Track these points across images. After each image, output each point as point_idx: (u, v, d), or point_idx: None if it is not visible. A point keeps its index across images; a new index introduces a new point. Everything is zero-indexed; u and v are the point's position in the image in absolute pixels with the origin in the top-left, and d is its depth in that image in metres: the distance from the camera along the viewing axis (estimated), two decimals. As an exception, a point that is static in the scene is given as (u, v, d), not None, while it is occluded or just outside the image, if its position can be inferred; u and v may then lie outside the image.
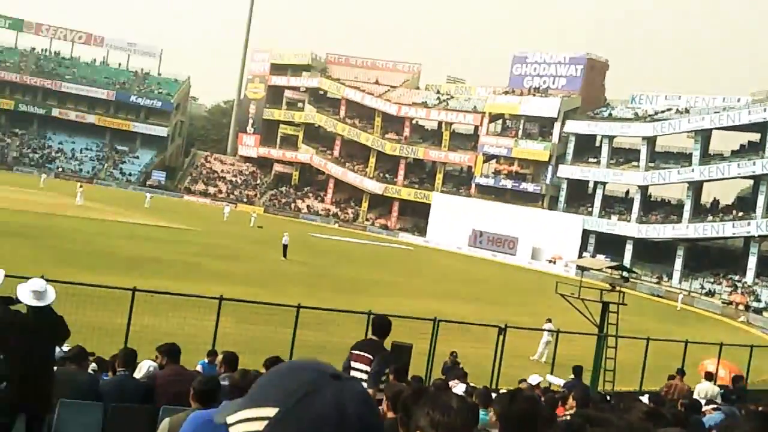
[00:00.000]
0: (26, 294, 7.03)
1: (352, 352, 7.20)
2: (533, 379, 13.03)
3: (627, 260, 61.79)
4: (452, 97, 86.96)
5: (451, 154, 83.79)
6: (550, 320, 22.99)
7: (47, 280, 7.55)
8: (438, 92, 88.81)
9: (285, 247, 41.71)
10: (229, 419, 1.17)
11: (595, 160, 73.31)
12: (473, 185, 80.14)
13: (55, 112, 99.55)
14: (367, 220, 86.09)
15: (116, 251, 32.57)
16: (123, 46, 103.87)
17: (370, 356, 7.02)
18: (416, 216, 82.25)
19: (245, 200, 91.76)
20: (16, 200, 49.78)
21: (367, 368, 6.85)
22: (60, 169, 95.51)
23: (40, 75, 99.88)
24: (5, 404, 7.05)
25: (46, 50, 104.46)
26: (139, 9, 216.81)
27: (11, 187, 61.74)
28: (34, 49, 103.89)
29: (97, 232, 38.98)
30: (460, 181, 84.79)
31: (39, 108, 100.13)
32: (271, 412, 1.15)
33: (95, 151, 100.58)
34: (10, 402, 7.05)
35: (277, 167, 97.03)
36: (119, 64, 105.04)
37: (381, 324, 7.44)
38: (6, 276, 7.97)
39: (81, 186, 61.05)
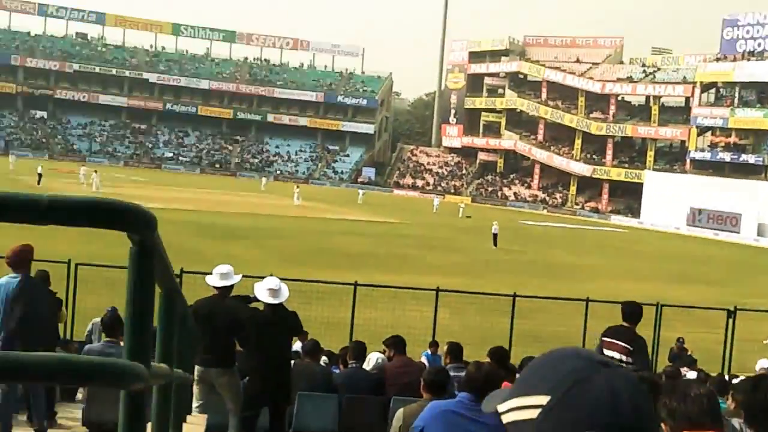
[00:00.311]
0: (263, 292, 7.60)
1: (604, 339, 7.02)
2: (762, 363, 12.11)
3: None
4: (659, 69, 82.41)
5: (661, 130, 79.47)
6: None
7: (279, 279, 8.11)
8: (643, 65, 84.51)
9: (495, 235, 41.70)
10: (500, 407, 1.21)
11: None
12: (688, 161, 75.55)
13: (270, 118, 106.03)
14: (576, 204, 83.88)
15: (335, 248, 34.21)
16: (327, 49, 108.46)
17: (625, 344, 6.80)
18: (628, 197, 78.92)
19: (452, 191, 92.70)
20: (242, 204, 53.70)
21: (621, 356, 6.66)
22: (278, 172, 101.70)
23: (254, 83, 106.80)
24: (250, 397, 7.64)
25: (257, 59, 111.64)
26: (340, 10, 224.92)
27: (236, 192, 66.62)
28: (246, 58, 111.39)
29: (316, 230, 41.16)
30: (673, 158, 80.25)
31: (255, 114, 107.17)
32: (543, 400, 1.16)
33: (309, 152, 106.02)
34: (255, 395, 7.63)
35: (482, 156, 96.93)
36: (325, 66, 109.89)
37: (633, 311, 7.19)
38: (242, 276, 8.63)
39: (298, 187, 64.73)
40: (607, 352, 6.84)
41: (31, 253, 7.30)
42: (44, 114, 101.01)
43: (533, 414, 1.16)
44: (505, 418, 1.18)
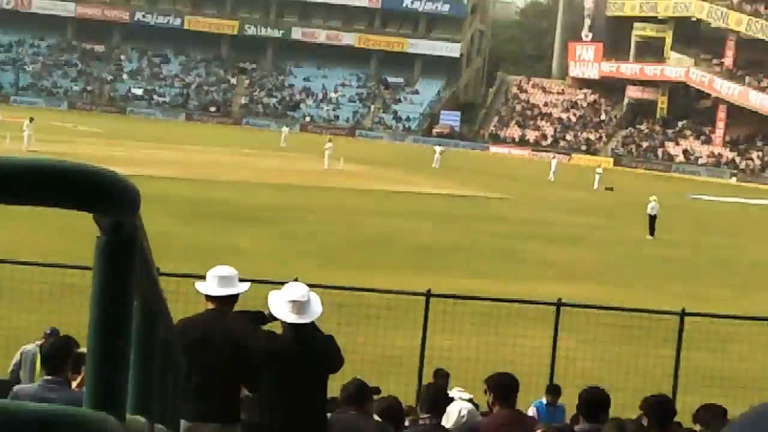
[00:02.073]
0: (283, 306, 7.75)
1: None
2: None
3: None
4: None
5: None
6: None
7: (308, 286, 8.29)
8: None
9: (652, 218, 41.35)
10: None
11: None
12: None
13: (297, 33, 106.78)
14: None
15: (394, 237, 34.37)
16: None
17: None
18: None
19: (584, 148, 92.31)
20: (251, 169, 54.12)
21: None
22: (307, 119, 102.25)
23: None
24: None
25: None
26: None
27: (242, 150, 67.16)
28: None
29: (364, 210, 41.40)
30: None
31: (273, 28, 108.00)
32: None
33: (356, 88, 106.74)
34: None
35: (632, 92, 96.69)
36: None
37: None
38: (251, 281, 8.81)
39: (330, 140, 64.80)
40: None
41: None
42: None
43: None
44: None
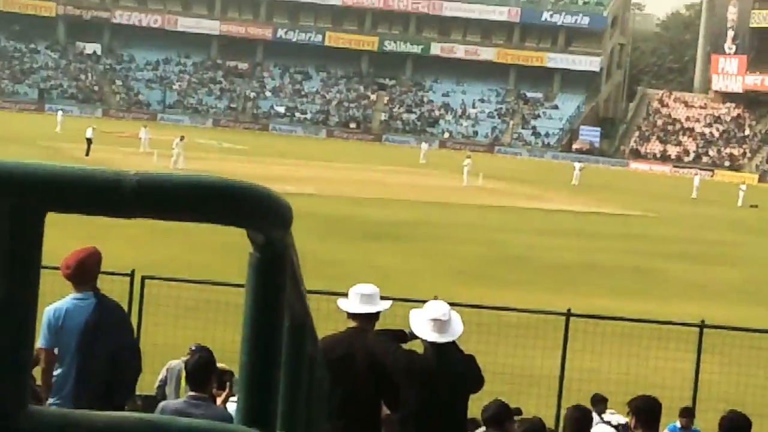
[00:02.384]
0: (425, 325, 7.72)
1: None
2: None
3: None
4: None
5: None
6: None
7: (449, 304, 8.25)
8: None
9: None
10: None
11: None
12: None
13: (436, 49, 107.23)
14: None
15: (532, 254, 34.14)
16: None
17: None
18: None
19: (727, 164, 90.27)
20: (390, 185, 54.45)
21: None
22: (446, 134, 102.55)
23: None
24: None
25: None
26: None
27: (382, 167, 67.56)
28: None
29: (503, 227, 41.25)
30: None
31: (412, 45, 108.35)
32: None
33: (495, 103, 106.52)
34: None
35: None
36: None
37: None
38: (391, 299, 8.80)
39: (469, 157, 64.78)
40: None
41: (97, 261, 7.81)
42: (96, 48, 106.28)
43: None
44: None
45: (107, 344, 8.05)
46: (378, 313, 8.46)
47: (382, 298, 8.59)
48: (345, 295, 8.35)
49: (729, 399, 12.03)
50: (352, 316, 8.26)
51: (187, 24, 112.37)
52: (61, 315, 7.44)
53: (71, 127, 67.69)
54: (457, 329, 7.99)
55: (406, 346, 8.52)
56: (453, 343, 7.98)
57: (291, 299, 2.96)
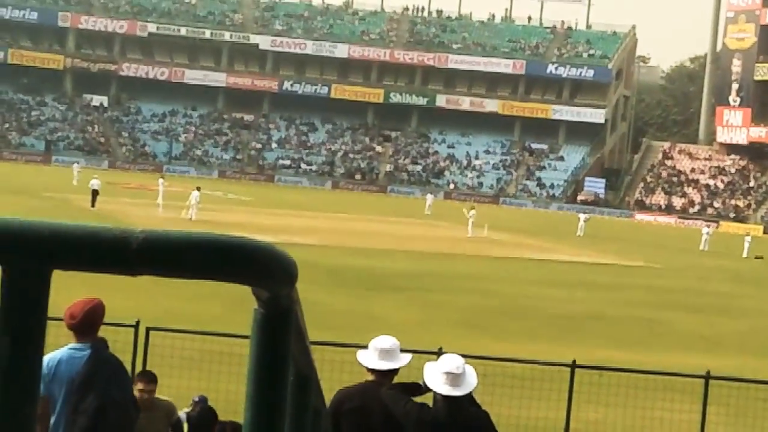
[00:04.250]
0: (438, 378, 7.72)
1: None
2: None
3: None
4: None
5: None
6: None
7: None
8: None
9: None
10: None
11: None
12: None
13: (441, 100, 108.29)
14: None
15: (537, 305, 34.19)
16: None
17: None
18: None
19: (732, 215, 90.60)
20: (395, 236, 54.70)
21: None
22: (451, 186, 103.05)
23: (418, 47, 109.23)
24: None
25: (422, 9, 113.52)
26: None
27: (386, 217, 67.80)
28: (407, 9, 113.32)
29: (507, 278, 41.37)
30: None
31: (418, 96, 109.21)
32: None
33: (500, 155, 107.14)
34: None
35: None
36: (529, 19, 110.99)
37: None
38: (407, 351, 8.81)
39: (473, 208, 64.96)
40: None
41: (102, 313, 7.82)
42: (103, 100, 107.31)
43: None
44: None
45: (96, 398, 7.93)
46: (397, 369, 8.44)
47: (402, 350, 8.60)
48: (352, 346, 8.32)
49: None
50: (371, 370, 8.27)
51: (193, 76, 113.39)
52: (53, 364, 7.41)
53: (85, 179, 68.25)
54: (471, 382, 8.00)
55: (420, 399, 8.51)
56: (469, 396, 7.95)
57: (295, 353, 2.98)
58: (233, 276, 2.05)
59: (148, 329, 14.98)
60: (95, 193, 60.15)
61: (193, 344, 15.45)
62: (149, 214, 52.65)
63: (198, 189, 58.21)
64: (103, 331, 8.65)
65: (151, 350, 14.63)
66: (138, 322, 14.72)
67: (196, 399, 10.67)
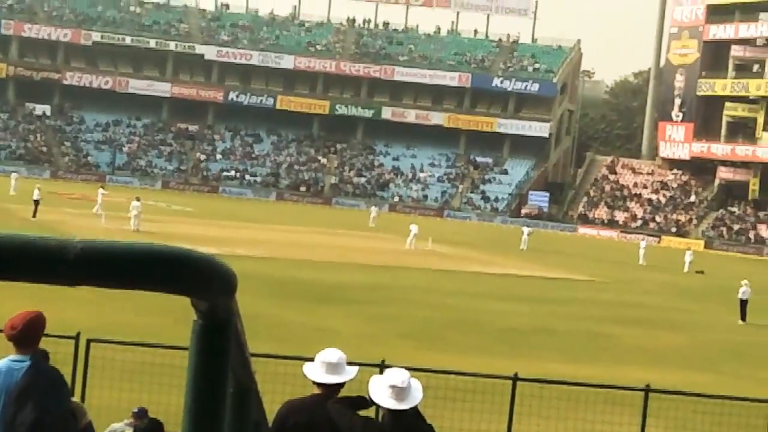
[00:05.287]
0: (384, 392, 7.72)
1: None
2: None
3: None
4: None
5: None
6: None
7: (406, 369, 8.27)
8: None
9: (743, 303, 40.85)
10: None
11: None
12: None
13: (387, 113, 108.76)
14: None
15: (480, 318, 34.42)
16: (479, 5, 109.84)
17: None
18: None
19: (673, 230, 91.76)
20: (339, 248, 54.79)
21: None
22: (396, 198, 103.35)
23: (364, 59, 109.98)
24: None
25: (369, 21, 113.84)
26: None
27: (331, 230, 67.90)
28: (354, 21, 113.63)
29: (451, 291, 41.61)
30: None
31: (364, 108, 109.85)
32: None
33: (445, 167, 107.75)
34: None
35: (724, 173, 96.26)
36: (475, 32, 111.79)
37: None
38: (357, 364, 8.82)
39: (415, 224, 64.83)
40: None
41: (42, 325, 7.77)
42: (46, 109, 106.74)
43: None
44: None
45: (34, 410, 7.73)
46: (343, 384, 8.26)
47: (349, 363, 8.59)
48: (297, 359, 8.36)
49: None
50: (317, 384, 8.28)
51: (138, 86, 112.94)
52: None
53: (23, 188, 67.52)
54: (416, 396, 7.98)
55: (365, 412, 8.49)
56: (416, 410, 7.96)
57: (235, 365, 2.98)
58: (170, 286, 2.06)
59: (88, 341, 14.87)
60: (36, 202, 59.47)
61: (134, 356, 15.43)
62: (92, 225, 52.29)
63: (138, 199, 58.15)
64: (46, 343, 8.60)
65: (92, 362, 14.56)
66: (78, 334, 14.58)
67: (136, 411, 10.63)
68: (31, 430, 7.47)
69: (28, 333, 7.63)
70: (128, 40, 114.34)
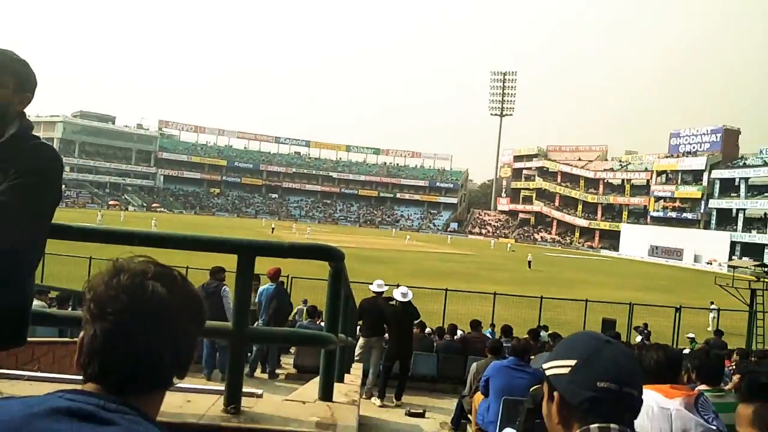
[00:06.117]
0: (397, 294, 8.26)
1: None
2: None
3: (766, 260, 48.84)
4: (630, 163, 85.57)
5: (632, 199, 79.40)
6: (712, 302, 18.80)
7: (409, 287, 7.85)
8: (620, 161, 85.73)
9: (529, 262, 43.34)
10: (544, 366, 1.46)
11: (735, 195, 59.61)
12: (648, 217, 71.36)
13: (399, 195, 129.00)
14: (578, 243, 79.49)
15: (434, 268, 37.13)
16: (431, 155, 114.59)
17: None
18: (611, 239, 75.66)
19: (503, 236, 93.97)
20: (382, 243, 60.47)
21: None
22: (402, 226, 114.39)
23: (389, 176, 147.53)
24: (389, 354, 7.78)
25: (391, 163, 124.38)
26: (441, 135, 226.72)
27: (379, 237, 73.21)
28: (385, 163, 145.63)
29: (422, 258, 51.17)
30: (639, 215, 76.39)
31: (390, 193, 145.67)
32: (572, 362, 1.31)
33: (419, 214, 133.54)
34: (392, 353, 7.53)
35: (521, 215, 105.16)
36: (429, 166, 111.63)
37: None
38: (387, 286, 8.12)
39: (409, 236, 64.54)
40: None
41: (279, 272, 7.19)
42: (276, 195, 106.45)
43: (566, 370, 1.31)
44: (548, 372, 1.23)
45: (276, 304, 6.87)
46: (383, 291, 8.16)
47: (385, 285, 8.48)
48: (371, 283, 7.86)
49: (506, 320, 12.19)
50: (374, 292, 8.61)
51: (309, 187, 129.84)
52: None
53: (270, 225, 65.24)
54: (410, 296, 7.96)
55: (391, 302, 8.56)
56: (409, 301, 7.93)
57: (345, 287, 2.82)
58: (321, 258, 1.85)
59: (292, 278, 12.82)
60: (273, 229, 50.04)
61: (303, 284, 15.29)
62: (294, 238, 52.10)
63: (308, 228, 52.82)
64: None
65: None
66: (289, 276, 13.37)
67: (304, 301, 9.20)
68: (273, 312, 6.67)
69: (273, 274, 6.92)
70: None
